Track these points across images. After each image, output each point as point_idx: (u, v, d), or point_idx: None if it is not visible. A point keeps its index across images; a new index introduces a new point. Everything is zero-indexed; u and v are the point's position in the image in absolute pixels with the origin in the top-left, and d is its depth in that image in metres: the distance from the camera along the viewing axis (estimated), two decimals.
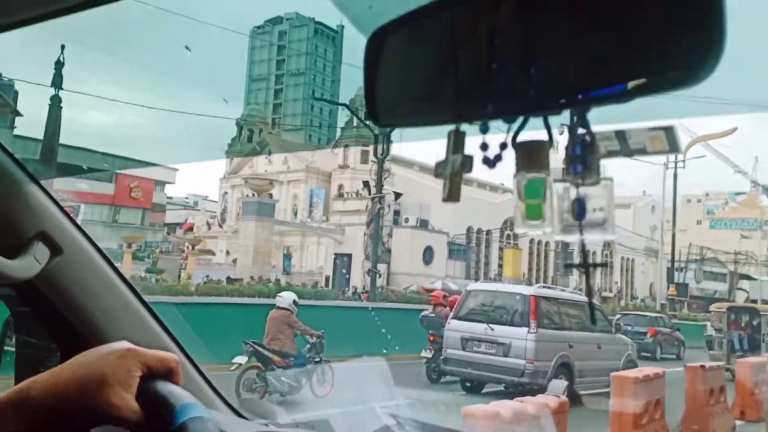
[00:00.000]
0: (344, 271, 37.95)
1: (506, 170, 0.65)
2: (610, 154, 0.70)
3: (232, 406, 1.44)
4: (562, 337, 10.64)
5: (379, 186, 20.42)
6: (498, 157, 0.62)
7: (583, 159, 0.58)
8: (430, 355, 11.79)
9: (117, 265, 1.41)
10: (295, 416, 1.80)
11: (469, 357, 10.65)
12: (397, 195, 41.44)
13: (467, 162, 0.63)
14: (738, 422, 9.28)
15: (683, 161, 29.76)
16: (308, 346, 9.42)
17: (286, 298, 9.60)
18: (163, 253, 44.20)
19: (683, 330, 22.79)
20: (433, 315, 12.40)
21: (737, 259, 49.67)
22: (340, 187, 47.08)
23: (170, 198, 55.71)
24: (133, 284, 1.41)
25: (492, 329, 10.57)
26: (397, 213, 41.09)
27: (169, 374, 0.89)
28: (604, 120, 0.62)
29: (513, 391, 9.56)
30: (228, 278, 25.28)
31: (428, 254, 39.91)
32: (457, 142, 0.63)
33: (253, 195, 36.41)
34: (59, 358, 1.29)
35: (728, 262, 50.06)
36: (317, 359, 9.28)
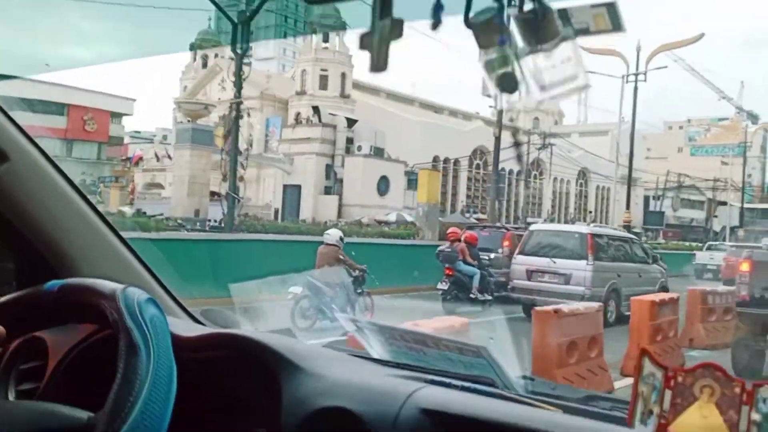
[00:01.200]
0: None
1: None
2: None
3: (191, 314, 1.50)
4: (612, 267, 12.66)
5: (239, 88, 18.12)
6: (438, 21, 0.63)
7: (537, 28, 0.61)
8: (445, 287, 13.13)
9: None
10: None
11: (534, 286, 12.49)
12: (351, 122, 39.15)
13: (397, 26, 0.62)
14: (619, 383, 6.86)
15: (644, 73, 27.27)
16: (352, 278, 10.42)
17: (333, 235, 10.89)
18: (109, 187, 42.66)
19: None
20: (449, 250, 13.53)
21: (716, 186, 47.85)
22: (297, 115, 44.65)
23: (138, 132, 53.47)
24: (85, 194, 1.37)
25: (554, 262, 12.49)
26: (350, 141, 38.84)
27: None
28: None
29: None
30: (137, 212, 23.26)
31: (383, 184, 37.97)
32: (384, 4, 0.62)
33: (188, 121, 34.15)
34: (14, 272, 1.27)
35: (707, 189, 48.22)
36: (360, 290, 10.40)
